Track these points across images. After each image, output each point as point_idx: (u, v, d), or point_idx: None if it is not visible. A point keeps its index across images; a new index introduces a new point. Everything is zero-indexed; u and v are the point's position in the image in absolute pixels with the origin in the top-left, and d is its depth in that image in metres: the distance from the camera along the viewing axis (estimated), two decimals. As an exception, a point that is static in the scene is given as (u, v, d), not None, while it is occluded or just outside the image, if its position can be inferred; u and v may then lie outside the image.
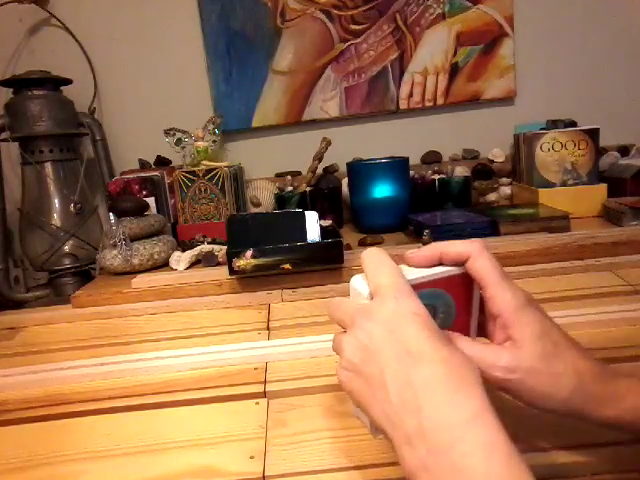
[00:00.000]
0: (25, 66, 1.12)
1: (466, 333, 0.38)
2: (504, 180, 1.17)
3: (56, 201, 1.06)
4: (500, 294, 0.35)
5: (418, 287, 0.36)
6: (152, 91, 1.25)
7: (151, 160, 1.23)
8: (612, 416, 0.33)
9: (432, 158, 1.24)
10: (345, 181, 1.15)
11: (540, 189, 1.01)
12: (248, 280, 0.75)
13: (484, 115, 1.25)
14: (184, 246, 0.96)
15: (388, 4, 1.19)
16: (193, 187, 1.00)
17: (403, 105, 1.24)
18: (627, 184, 1.02)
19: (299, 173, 1.25)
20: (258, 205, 1.18)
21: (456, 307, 0.37)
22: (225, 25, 1.20)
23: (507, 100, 1.24)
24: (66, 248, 1.06)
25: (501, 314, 0.34)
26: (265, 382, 0.49)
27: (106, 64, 1.23)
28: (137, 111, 1.25)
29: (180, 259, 0.85)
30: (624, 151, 1.17)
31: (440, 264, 0.37)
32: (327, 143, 1.16)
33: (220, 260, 0.84)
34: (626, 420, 0.33)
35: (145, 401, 0.49)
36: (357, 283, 0.36)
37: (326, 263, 0.74)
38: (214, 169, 1.00)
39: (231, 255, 0.72)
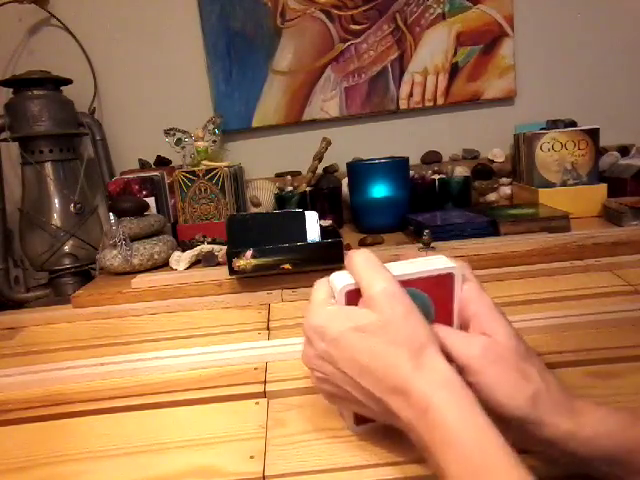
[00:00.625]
0: (25, 66, 1.12)
1: None
2: (504, 180, 1.17)
3: (56, 201, 1.06)
4: (475, 297, 0.37)
5: None
6: (152, 91, 1.25)
7: (151, 160, 1.23)
8: (569, 428, 0.32)
9: (432, 158, 1.24)
10: (345, 181, 1.15)
11: (540, 189, 1.01)
12: (248, 280, 0.75)
13: (484, 115, 1.25)
14: (184, 246, 0.96)
15: (388, 4, 1.19)
16: (193, 187, 1.00)
17: (403, 105, 1.24)
18: (627, 184, 1.02)
19: (299, 173, 1.25)
20: (258, 205, 1.18)
21: (435, 308, 0.37)
22: (225, 25, 1.20)
23: (507, 100, 1.24)
24: (66, 248, 1.06)
25: (477, 314, 0.36)
26: (265, 382, 0.49)
27: (106, 64, 1.23)
28: (137, 111, 1.25)
29: (180, 259, 0.85)
30: (624, 151, 1.17)
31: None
32: (327, 143, 1.16)
33: (220, 260, 0.84)
34: (582, 436, 0.32)
35: (145, 401, 0.49)
36: (334, 279, 0.38)
37: (326, 263, 0.74)
38: (214, 169, 1.00)
39: (231, 255, 0.72)
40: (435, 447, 0.29)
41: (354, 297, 0.36)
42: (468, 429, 0.29)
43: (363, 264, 0.35)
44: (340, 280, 0.37)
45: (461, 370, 0.34)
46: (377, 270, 0.35)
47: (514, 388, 0.33)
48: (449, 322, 0.38)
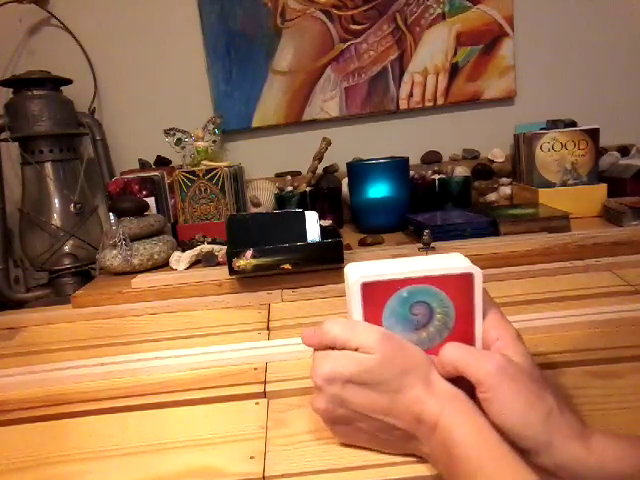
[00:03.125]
0: (25, 66, 1.12)
1: (470, 342, 0.36)
2: (504, 180, 1.17)
3: (56, 201, 1.06)
4: (499, 323, 0.37)
5: (411, 282, 0.35)
6: (152, 91, 1.25)
7: (151, 160, 1.23)
8: (579, 454, 0.32)
9: (432, 158, 1.24)
10: (345, 181, 1.15)
11: (540, 189, 1.01)
12: (248, 280, 0.75)
13: (484, 115, 1.25)
14: (184, 246, 0.96)
15: (388, 4, 1.19)
16: (193, 187, 1.00)
17: (403, 105, 1.24)
18: (627, 184, 1.02)
19: (299, 173, 1.25)
20: (258, 205, 1.18)
21: (455, 310, 0.36)
22: (225, 25, 1.20)
23: (507, 100, 1.24)
24: (66, 248, 1.06)
25: (499, 339, 0.36)
26: (265, 382, 0.49)
27: (106, 64, 1.23)
28: (137, 111, 1.25)
29: (180, 259, 0.85)
30: (624, 151, 1.17)
31: None
32: (327, 143, 1.16)
33: (220, 260, 0.84)
34: (591, 462, 0.32)
35: (145, 401, 0.49)
36: (350, 271, 0.37)
37: (326, 263, 0.74)
38: (214, 169, 1.00)
39: (231, 255, 0.72)
40: (449, 461, 0.32)
41: (370, 290, 0.35)
42: (479, 443, 0.32)
43: (343, 331, 0.36)
44: (355, 272, 0.36)
45: (475, 386, 0.34)
46: (358, 327, 0.36)
47: (528, 406, 0.32)
48: (470, 324, 0.37)
